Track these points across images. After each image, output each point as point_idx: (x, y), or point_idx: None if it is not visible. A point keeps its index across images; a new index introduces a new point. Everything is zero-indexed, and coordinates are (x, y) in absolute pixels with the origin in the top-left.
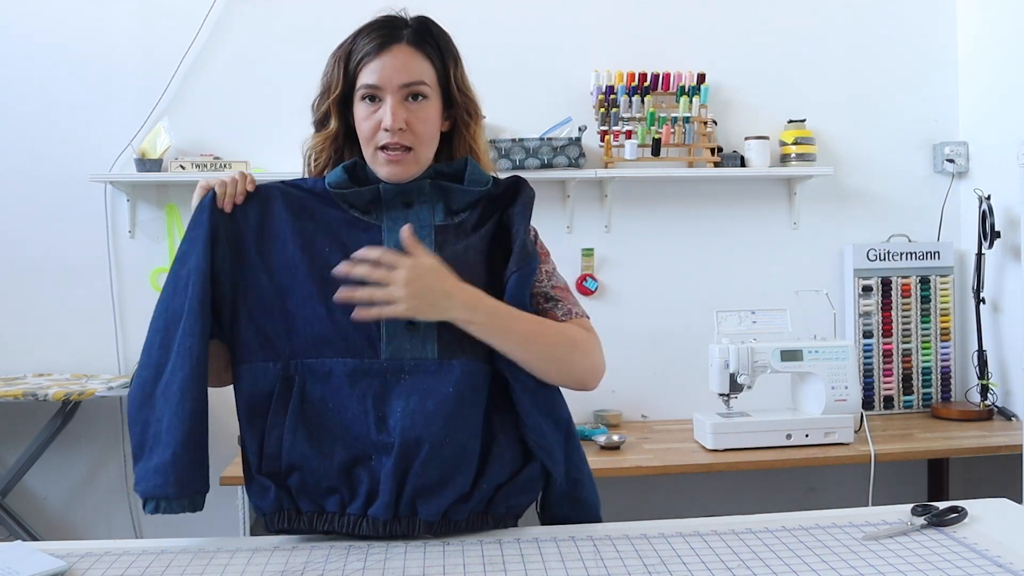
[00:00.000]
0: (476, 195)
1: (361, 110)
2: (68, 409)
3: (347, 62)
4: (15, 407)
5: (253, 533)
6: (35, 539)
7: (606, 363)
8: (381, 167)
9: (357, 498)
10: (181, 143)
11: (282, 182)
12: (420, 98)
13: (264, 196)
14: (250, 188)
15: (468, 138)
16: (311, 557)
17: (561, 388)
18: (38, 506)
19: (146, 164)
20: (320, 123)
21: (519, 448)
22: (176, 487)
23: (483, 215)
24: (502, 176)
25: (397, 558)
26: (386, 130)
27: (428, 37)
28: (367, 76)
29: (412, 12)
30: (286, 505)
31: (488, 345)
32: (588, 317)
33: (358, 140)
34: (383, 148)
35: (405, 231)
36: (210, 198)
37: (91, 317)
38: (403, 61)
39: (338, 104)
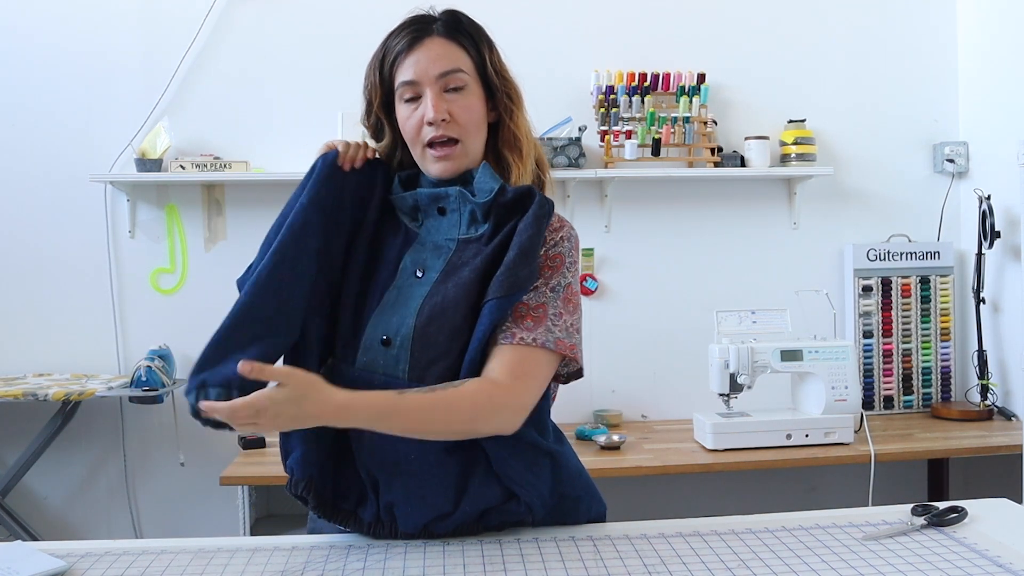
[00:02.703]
0: (485, 204)
1: (403, 111)
2: (68, 409)
3: (382, 65)
4: (15, 407)
5: (253, 533)
6: (35, 539)
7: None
8: (431, 165)
9: (350, 496)
10: (181, 143)
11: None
12: (459, 89)
13: (369, 171)
14: (370, 155)
15: (512, 126)
16: (311, 557)
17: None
18: (38, 506)
19: (146, 164)
20: (375, 136)
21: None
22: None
23: (497, 224)
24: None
25: (397, 558)
26: (429, 124)
27: (459, 26)
28: (403, 73)
29: (419, 11)
30: (315, 474)
31: (475, 370)
32: (544, 346)
33: None
34: (430, 145)
35: (243, 367)
36: (334, 154)
37: (91, 317)
38: (437, 52)
39: (384, 111)
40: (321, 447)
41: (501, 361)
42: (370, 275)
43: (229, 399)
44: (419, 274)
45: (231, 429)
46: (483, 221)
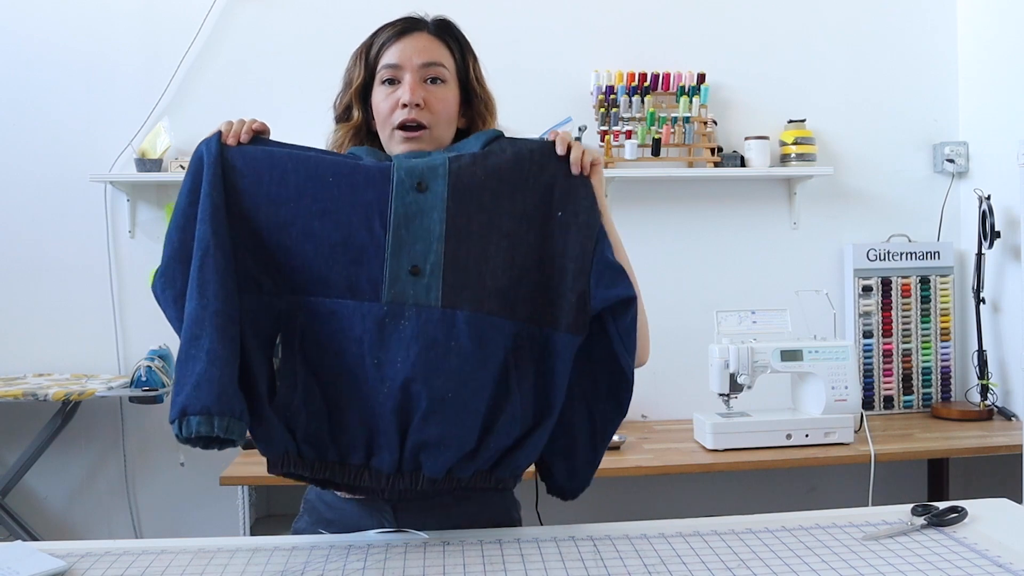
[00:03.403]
0: (494, 135)
1: (380, 92)
2: (68, 409)
3: (368, 53)
4: (15, 407)
5: (253, 533)
6: (35, 539)
7: None
8: (397, 146)
9: (358, 448)
10: (181, 143)
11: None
12: (439, 81)
13: (269, 139)
14: (257, 128)
15: None
16: (311, 557)
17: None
18: (38, 506)
19: (146, 164)
20: (343, 116)
21: (532, 407)
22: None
23: (505, 148)
24: None
25: (397, 558)
26: (404, 106)
27: (449, 30)
28: (388, 58)
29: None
30: (291, 448)
31: (507, 301)
32: None
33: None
34: (400, 128)
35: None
36: (216, 135)
37: (91, 317)
38: (424, 44)
39: (360, 96)
40: (310, 410)
41: None
42: (327, 195)
43: (212, 427)
44: (420, 189)
45: (221, 448)
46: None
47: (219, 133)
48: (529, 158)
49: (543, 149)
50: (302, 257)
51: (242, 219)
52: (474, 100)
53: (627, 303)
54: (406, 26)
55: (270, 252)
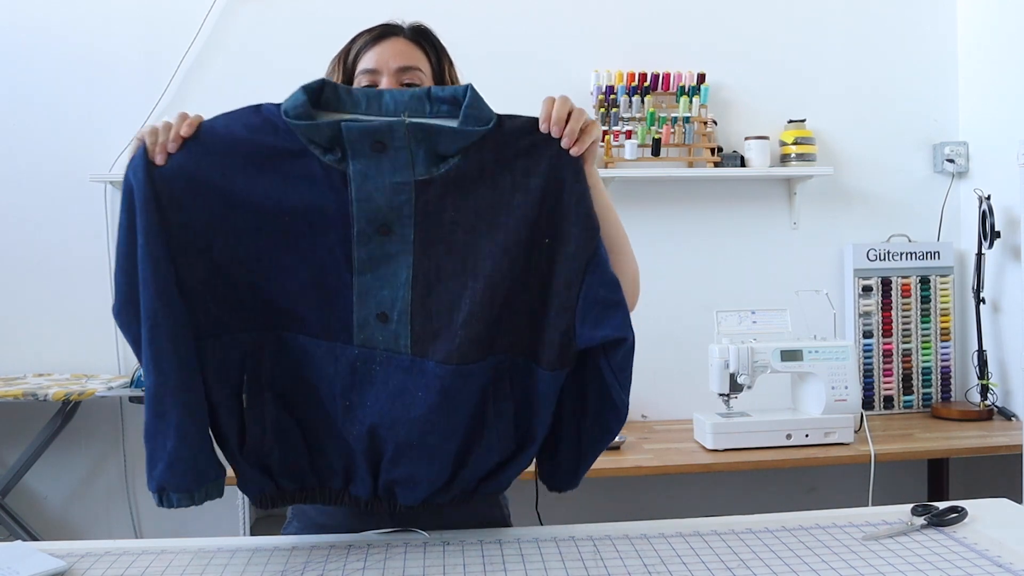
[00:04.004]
0: (474, 137)
1: None
2: (68, 409)
3: (346, 58)
4: (15, 407)
5: (253, 533)
6: (35, 539)
7: None
8: None
9: (336, 474)
10: None
11: (230, 116)
12: (415, 85)
13: (210, 142)
14: (185, 133)
15: None
16: (311, 557)
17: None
18: (38, 506)
19: None
20: None
21: (513, 437)
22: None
23: (485, 163)
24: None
25: (397, 558)
26: None
27: (426, 36)
28: (365, 63)
29: (410, 18)
30: (268, 489)
31: (484, 342)
32: None
33: None
34: None
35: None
36: (140, 154)
37: (91, 317)
38: (401, 48)
39: None
40: (286, 441)
41: None
42: (280, 231)
43: (191, 500)
44: (383, 233)
45: (199, 503)
46: (451, 156)
47: (143, 149)
48: (512, 168)
49: (530, 148)
50: (273, 293)
51: (195, 256)
52: None
53: (619, 342)
54: (383, 31)
55: (233, 287)
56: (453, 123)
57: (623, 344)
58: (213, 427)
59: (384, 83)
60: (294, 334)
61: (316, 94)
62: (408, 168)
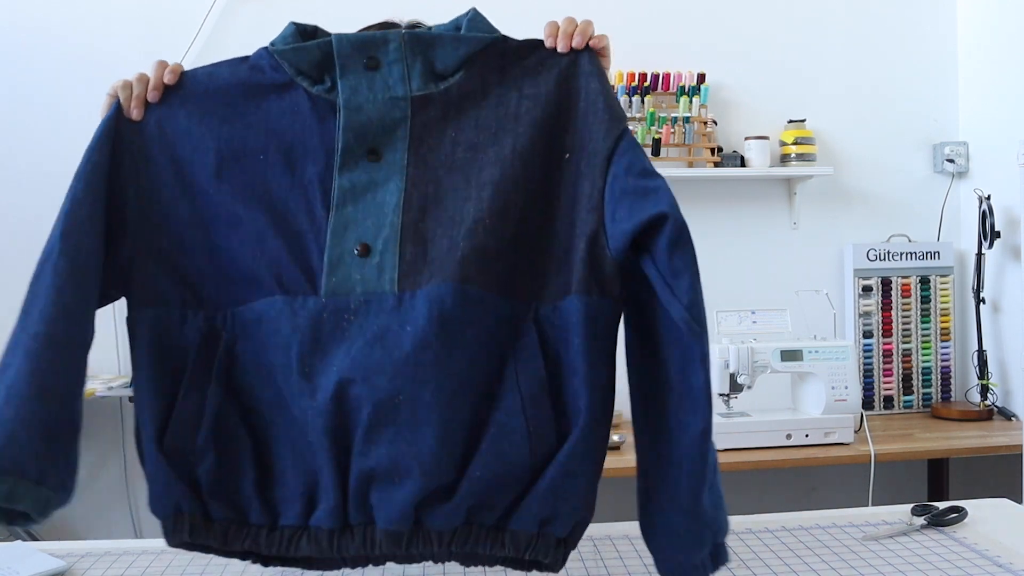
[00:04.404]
0: (477, 46)
1: None
2: None
3: None
4: None
5: None
6: (35, 539)
7: None
8: None
9: (293, 501)
10: None
11: (216, 64)
12: None
13: (186, 93)
14: (169, 80)
15: None
16: None
17: None
18: None
19: None
20: None
21: (550, 422)
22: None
23: (489, 81)
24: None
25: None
26: None
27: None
28: None
29: (409, 17)
30: (187, 508)
31: (495, 268)
32: None
33: None
34: None
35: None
36: (115, 108)
37: None
38: None
39: None
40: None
41: None
42: (248, 177)
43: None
44: (372, 158)
45: (12, 523)
46: (451, 72)
47: (117, 106)
48: (520, 84)
49: (538, 64)
50: (228, 254)
51: (159, 220)
52: None
53: (658, 222)
54: (382, 30)
55: (191, 257)
56: (453, 32)
57: (665, 224)
58: (137, 416)
59: None
60: (249, 304)
61: (309, 36)
62: (404, 82)
